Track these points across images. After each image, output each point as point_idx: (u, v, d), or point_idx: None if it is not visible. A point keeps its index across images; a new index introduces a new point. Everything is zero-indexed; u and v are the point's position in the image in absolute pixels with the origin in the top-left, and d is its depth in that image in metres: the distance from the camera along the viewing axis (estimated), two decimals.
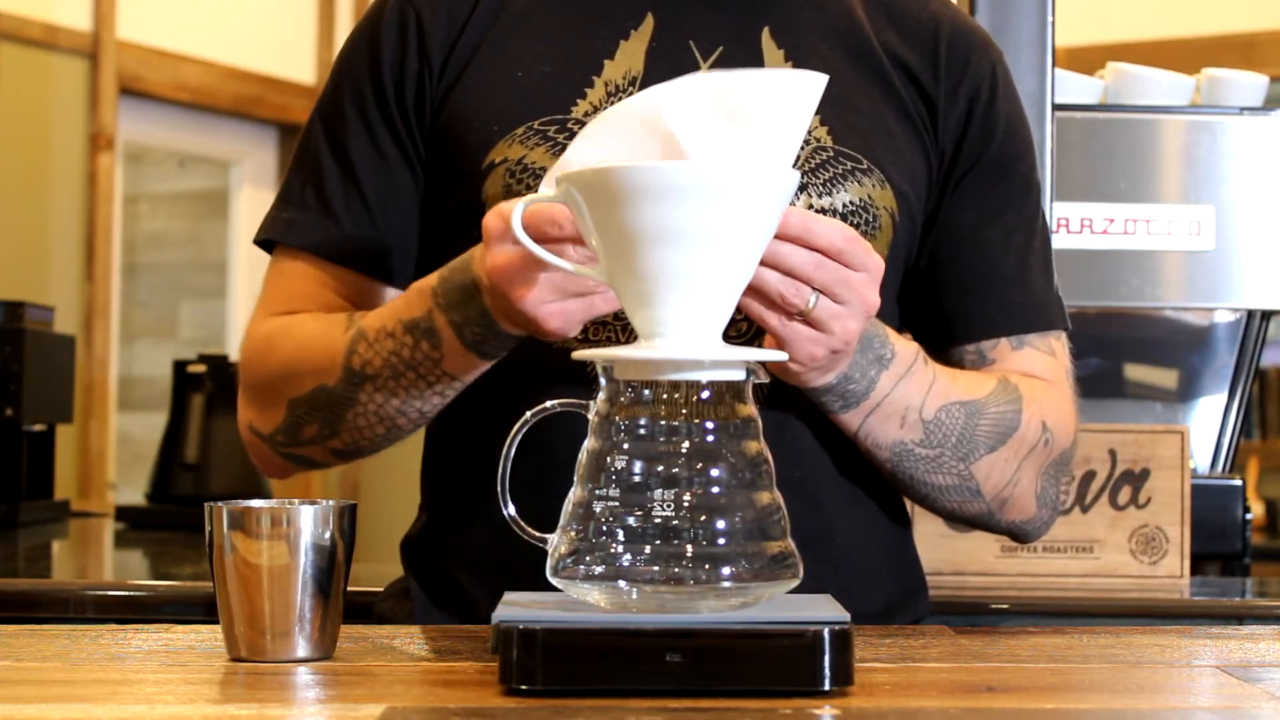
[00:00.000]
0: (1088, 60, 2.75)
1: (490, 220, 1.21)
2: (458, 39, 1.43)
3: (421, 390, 1.35)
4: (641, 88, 1.39)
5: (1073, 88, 2.29)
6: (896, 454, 1.38)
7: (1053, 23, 2.14)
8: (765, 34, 1.43)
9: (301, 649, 1.12)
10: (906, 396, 1.35)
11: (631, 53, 1.42)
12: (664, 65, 1.41)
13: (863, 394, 1.33)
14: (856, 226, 1.39)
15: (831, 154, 1.39)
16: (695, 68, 1.41)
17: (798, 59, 1.42)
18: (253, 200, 5.17)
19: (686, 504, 1.04)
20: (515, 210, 1.12)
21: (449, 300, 1.30)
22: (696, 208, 1.03)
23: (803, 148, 1.37)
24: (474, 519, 1.42)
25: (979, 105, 1.45)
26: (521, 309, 1.21)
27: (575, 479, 1.08)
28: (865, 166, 1.40)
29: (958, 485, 1.40)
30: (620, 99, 1.38)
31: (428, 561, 1.47)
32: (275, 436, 1.45)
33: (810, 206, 1.39)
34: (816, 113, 1.17)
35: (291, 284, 1.47)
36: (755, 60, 1.42)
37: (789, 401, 1.38)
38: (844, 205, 1.39)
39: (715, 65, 1.41)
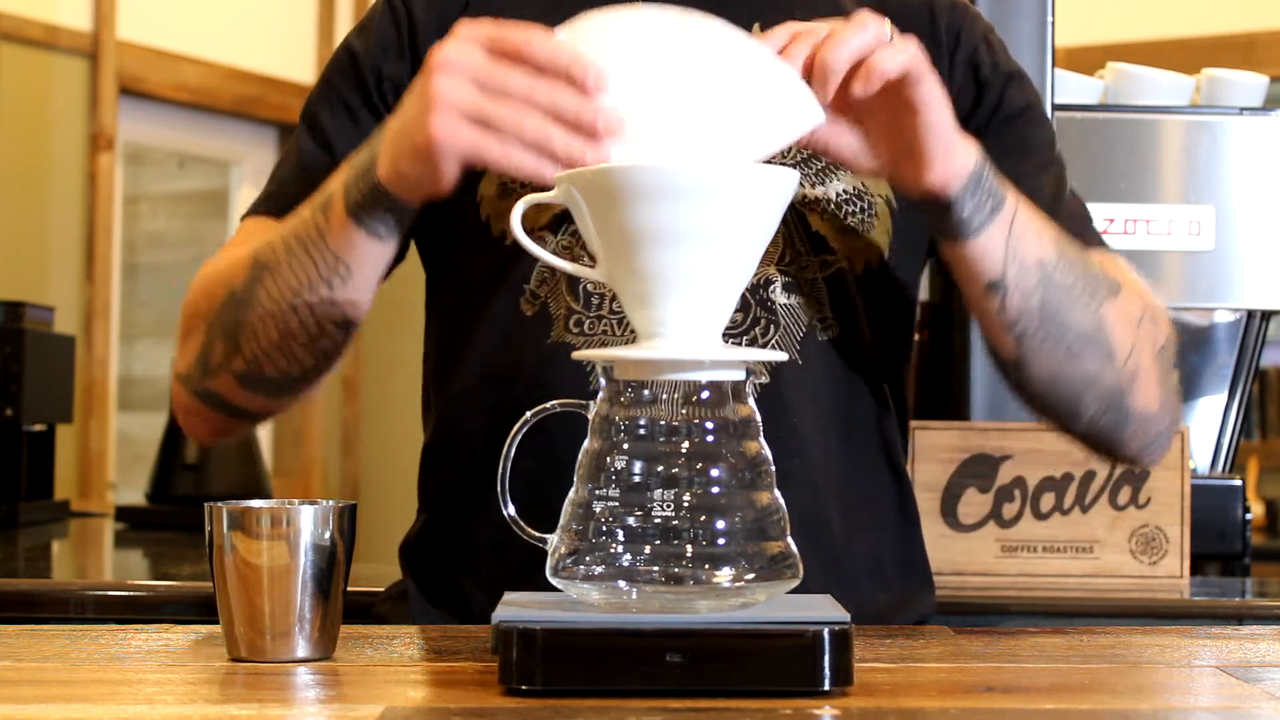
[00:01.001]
0: (1088, 60, 2.75)
1: (469, 26, 1.16)
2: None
3: (310, 273, 1.29)
4: None
5: (1073, 88, 2.29)
6: (1043, 282, 1.30)
7: (1053, 23, 2.14)
8: (756, 30, 1.43)
9: (301, 649, 1.12)
10: (1028, 205, 1.31)
11: None
12: None
13: (1001, 191, 1.27)
14: (851, 215, 1.39)
15: None
16: None
17: None
18: (252, 200, 5.16)
19: (686, 504, 1.04)
20: (516, 209, 1.11)
21: (358, 155, 1.26)
22: (696, 208, 1.03)
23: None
24: (473, 519, 1.42)
25: (983, 67, 1.45)
26: (429, 95, 1.14)
27: (575, 479, 1.08)
28: None
29: (1093, 333, 1.33)
30: None
31: (427, 562, 1.47)
32: (191, 373, 1.39)
33: (803, 197, 1.39)
34: None
35: (250, 241, 1.41)
36: None
37: (786, 390, 1.38)
38: (837, 194, 1.39)
39: None
